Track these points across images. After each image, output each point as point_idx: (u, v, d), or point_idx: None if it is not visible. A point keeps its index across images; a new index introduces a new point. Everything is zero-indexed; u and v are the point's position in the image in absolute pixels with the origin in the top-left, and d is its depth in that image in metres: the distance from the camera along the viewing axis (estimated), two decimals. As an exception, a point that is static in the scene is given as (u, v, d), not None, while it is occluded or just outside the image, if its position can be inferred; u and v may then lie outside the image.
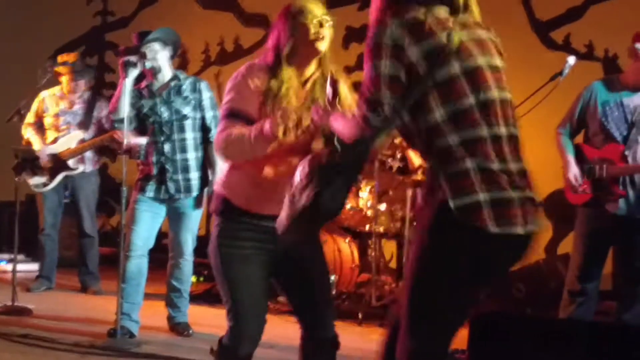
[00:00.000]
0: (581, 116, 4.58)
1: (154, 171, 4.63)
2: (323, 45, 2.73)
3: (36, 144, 6.00)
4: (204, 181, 4.73)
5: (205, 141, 4.73)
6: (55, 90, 6.18)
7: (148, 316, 4.84)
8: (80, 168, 6.10)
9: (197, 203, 4.74)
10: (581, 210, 4.63)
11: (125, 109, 4.41)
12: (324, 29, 2.72)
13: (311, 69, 2.77)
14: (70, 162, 6.03)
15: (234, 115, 2.66)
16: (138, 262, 4.61)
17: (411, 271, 2.33)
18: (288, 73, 2.69)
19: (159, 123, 4.63)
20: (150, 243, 4.70)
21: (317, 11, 2.73)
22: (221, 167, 2.84)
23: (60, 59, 6.05)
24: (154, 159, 4.63)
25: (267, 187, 2.67)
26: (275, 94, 2.65)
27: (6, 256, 7.43)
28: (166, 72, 4.69)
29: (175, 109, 4.63)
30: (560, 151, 4.62)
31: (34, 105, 6.14)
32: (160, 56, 4.64)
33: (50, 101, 6.12)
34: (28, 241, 6.67)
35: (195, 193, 4.68)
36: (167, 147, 4.62)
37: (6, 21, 9.42)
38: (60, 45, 9.21)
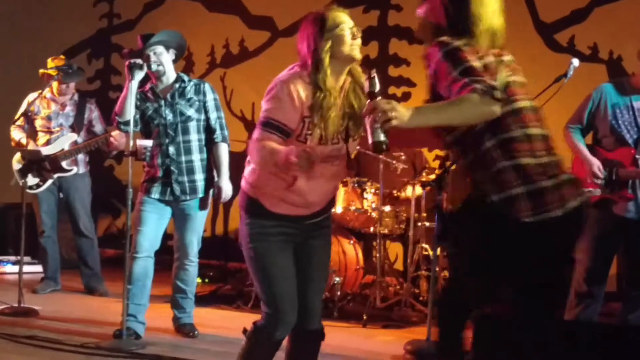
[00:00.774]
0: (590, 117, 4.57)
1: (160, 173, 4.65)
2: (359, 54, 2.83)
3: (30, 145, 5.98)
4: (209, 182, 4.74)
5: (210, 142, 4.74)
6: (44, 92, 6.15)
7: (154, 317, 4.85)
8: (74, 169, 6.12)
9: (203, 205, 4.75)
10: (589, 212, 4.63)
11: (131, 111, 4.43)
12: (358, 39, 2.83)
13: (344, 76, 2.86)
14: (64, 164, 6.06)
15: (270, 125, 2.71)
16: (144, 264, 4.63)
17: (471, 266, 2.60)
18: (330, 82, 2.76)
19: (163, 125, 4.65)
20: (156, 244, 4.72)
21: (349, 22, 2.84)
22: (251, 173, 2.90)
23: (49, 62, 6.08)
24: (159, 161, 4.65)
25: (297, 194, 2.82)
26: (321, 104, 2.72)
27: (12, 258, 7.45)
28: (170, 75, 4.71)
29: (179, 111, 4.65)
30: (574, 146, 4.58)
31: (22, 107, 6.12)
32: (164, 59, 4.66)
33: (41, 103, 6.12)
34: (34, 243, 6.70)
35: (200, 195, 4.70)
36: (171, 149, 4.64)
37: (13, 24, 9.46)
38: (66, 47, 9.24)
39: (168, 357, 4.18)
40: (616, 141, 4.47)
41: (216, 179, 4.76)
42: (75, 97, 6.23)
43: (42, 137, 6.09)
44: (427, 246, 6.00)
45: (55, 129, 6.07)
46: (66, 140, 6.05)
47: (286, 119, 2.71)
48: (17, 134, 6.08)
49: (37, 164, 5.94)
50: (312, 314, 2.96)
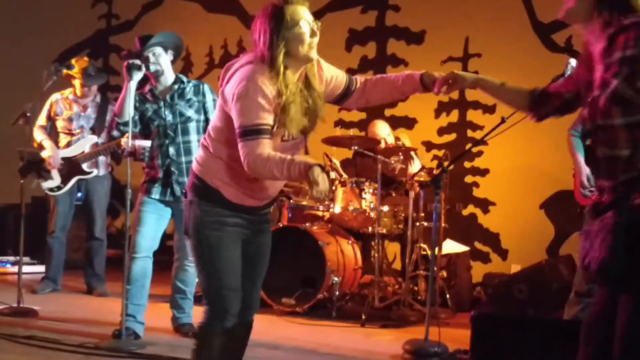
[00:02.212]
0: None
1: (160, 174, 4.66)
2: (315, 54, 2.73)
3: (49, 148, 6.04)
4: None
5: None
6: (67, 93, 6.24)
7: (153, 317, 4.86)
8: (94, 172, 6.16)
9: None
10: (589, 212, 4.65)
11: (130, 112, 4.45)
12: (317, 36, 2.71)
13: (299, 72, 2.76)
14: (84, 166, 6.10)
15: (261, 131, 2.59)
16: (143, 264, 4.64)
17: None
18: (289, 79, 2.67)
19: (163, 126, 4.66)
20: (155, 245, 4.73)
21: (308, 16, 2.71)
22: (210, 161, 2.81)
23: (73, 62, 6.10)
24: (159, 161, 4.66)
25: (261, 188, 2.80)
26: (285, 102, 2.64)
27: (12, 258, 7.45)
28: (169, 76, 4.72)
29: (179, 112, 4.66)
30: (572, 153, 4.65)
31: (46, 108, 6.19)
32: (162, 60, 4.67)
33: (63, 104, 6.18)
34: (33, 243, 6.70)
35: None
36: (172, 150, 4.64)
37: (11, 24, 9.46)
38: (65, 48, 9.27)
39: (167, 357, 4.18)
40: None
41: None
42: (97, 98, 6.26)
43: (63, 139, 6.14)
44: (425, 246, 6.01)
45: (76, 131, 6.13)
46: (87, 142, 6.10)
47: (267, 119, 2.60)
48: (39, 135, 6.11)
49: (37, 164, 5.95)
50: (253, 307, 2.96)
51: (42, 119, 6.15)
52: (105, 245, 6.43)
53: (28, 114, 5.48)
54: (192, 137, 4.67)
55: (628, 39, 2.28)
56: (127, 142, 4.69)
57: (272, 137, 2.64)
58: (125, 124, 4.49)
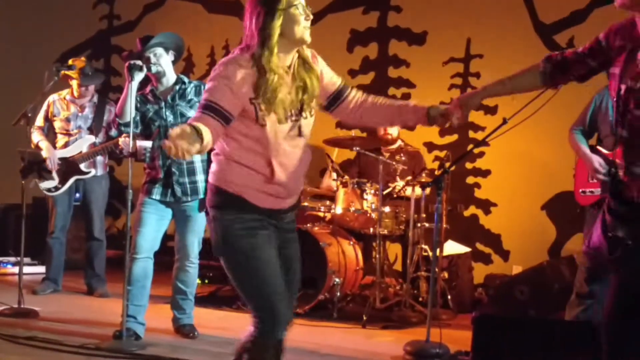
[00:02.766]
0: (592, 119, 4.63)
1: (161, 174, 4.65)
2: (309, 37, 2.70)
3: (45, 150, 6.04)
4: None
5: None
6: (64, 93, 6.26)
7: (153, 318, 4.85)
8: (92, 172, 6.16)
9: (203, 206, 4.75)
10: (589, 211, 4.65)
11: (131, 112, 4.44)
12: (309, 20, 2.69)
13: (292, 54, 2.73)
14: (82, 166, 6.11)
15: (209, 107, 2.59)
16: (143, 265, 4.63)
17: None
18: (275, 62, 2.63)
19: (164, 127, 4.65)
20: (156, 245, 4.72)
21: (303, 0, 2.69)
22: (223, 167, 2.73)
23: (70, 62, 6.09)
24: (160, 162, 4.66)
25: (279, 183, 2.70)
26: (266, 85, 2.61)
27: (13, 259, 7.45)
28: (170, 76, 4.72)
29: (180, 113, 4.66)
30: (576, 146, 4.62)
31: (43, 108, 6.21)
32: (163, 61, 4.67)
33: (60, 105, 6.20)
34: (34, 244, 6.69)
35: (201, 196, 4.70)
36: None
37: (12, 25, 9.47)
38: (66, 49, 9.27)
39: (168, 358, 4.17)
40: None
41: None
42: (95, 99, 6.27)
43: (60, 139, 6.15)
44: (426, 247, 6.00)
45: (74, 131, 6.14)
46: (84, 142, 6.11)
47: (225, 102, 2.57)
48: (36, 137, 6.11)
49: (38, 165, 5.95)
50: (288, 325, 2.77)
51: (39, 120, 6.17)
52: (104, 246, 6.42)
53: (29, 115, 5.48)
54: None
55: None
56: (124, 141, 4.70)
57: (230, 124, 2.62)
58: (127, 124, 4.49)
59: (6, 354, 4.16)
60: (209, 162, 4.71)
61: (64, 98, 6.22)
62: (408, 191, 5.94)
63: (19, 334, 4.56)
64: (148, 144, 4.63)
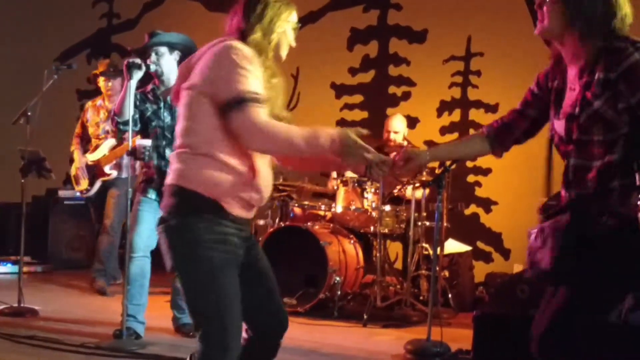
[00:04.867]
0: None
1: (156, 174, 4.65)
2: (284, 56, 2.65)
3: (76, 160, 6.49)
4: None
5: None
6: (98, 100, 6.56)
7: (154, 317, 4.85)
8: (114, 173, 6.37)
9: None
10: (539, 211, 4.63)
11: (130, 111, 4.43)
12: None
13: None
14: (106, 168, 6.36)
15: (255, 100, 2.35)
16: (140, 264, 4.62)
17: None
18: (273, 64, 2.56)
19: (161, 127, 4.64)
20: (152, 244, 4.70)
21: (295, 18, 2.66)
22: (196, 164, 2.43)
23: (98, 66, 6.50)
24: (155, 162, 4.64)
25: (256, 190, 2.47)
26: (272, 77, 2.52)
27: (12, 258, 7.45)
28: (172, 77, 4.67)
29: (177, 114, 4.62)
30: None
31: (81, 116, 6.62)
32: (165, 60, 4.64)
33: (92, 111, 6.52)
34: (34, 243, 6.69)
35: None
36: (168, 152, 4.62)
37: (12, 23, 9.46)
38: (66, 47, 9.26)
39: (168, 357, 4.17)
40: None
41: None
42: None
43: (93, 144, 6.49)
44: (427, 246, 6.00)
45: (102, 136, 6.44)
46: (106, 145, 6.39)
47: (261, 91, 2.40)
48: (73, 145, 6.55)
49: (36, 164, 5.94)
50: (284, 325, 2.63)
51: (77, 127, 6.59)
52: (116, 243, 6.49)
53: (29, 113, 5.48)
54: None
55: (612, 61, 2.32)
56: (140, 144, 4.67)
57: None
58: (125, 123, 4.48)
59: (6, 353, 4.16)
60: None
61: (96, 104, 6.53)
62: (408, 191, 5.93)
63: (19, 333, 4.55)
64: (147, 142, 4.62)
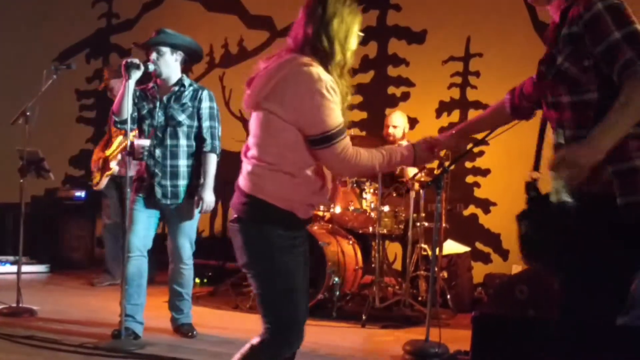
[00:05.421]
0: None
1: (146, 174, 4.65)
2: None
3: (94, 153, 6.74)
4: (192, 189, 4.69)
5: (198, 150, 4.70)
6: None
7: (152, 318, 4.85)
8: (116, 169, 6.49)
9: (188, 210, 4.69)
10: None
11: (128, 110, 4.42)
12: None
13: None
14: (111, 164, 6.48)
15: (342, 132, 2.50)
16: (137, 263, 4.61)
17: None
18: (349, 81, 2.64)
19: (153, 127, 4.64)
20: (148, 242, 4.69)
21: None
22: (273, 178, 2.54)
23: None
24: (147, 162, 4.64)
25: (324, 194, 2.65)
26: (345, 95, 2.59)
27: (11, 258, 7.45)
28: (172, 77, 4.67)
29: (170, 115, 4.62)
30: None
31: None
32: (164, 59, 4.62)
33: None
34: (33, 243, 6.69)
35: (179, 201, 4.64)
36: (158, 152, 4.61)
37: (11, 23, 9.46)
38: (65, 47, 9.26)
39: (166, 357, 4.17)
40: None
41: (200, 187, 4.70)
42: None
43: (113, 140, 6.61)
44: (426, 246, 6.00)
45: (115, 132, 6.48)
46: (117, 142, 6.50)
47: (342, 118, 2.53)
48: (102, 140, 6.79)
49: (35, 164, 5.95)
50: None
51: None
52: (113, 240, 6.55)
53: (28, 113, 5.47)
54: (181, 142, 4.63)
55: (574, 15, 2.26)
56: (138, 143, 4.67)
57: None
58: (123, 122, 4.47)
59: (5, 353, 4.15)
60: (193, 167, 4.67)
61: None
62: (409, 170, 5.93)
63: (18, 333, 4.55)
64: (146, 142, 4.61)
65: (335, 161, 2.53)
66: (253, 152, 2.58)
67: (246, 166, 2.60)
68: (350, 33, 2.58)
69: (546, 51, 2.39)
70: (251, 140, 2.60)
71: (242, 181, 2.60)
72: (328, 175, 2.65)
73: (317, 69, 2.48)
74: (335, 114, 2.48)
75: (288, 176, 2.53)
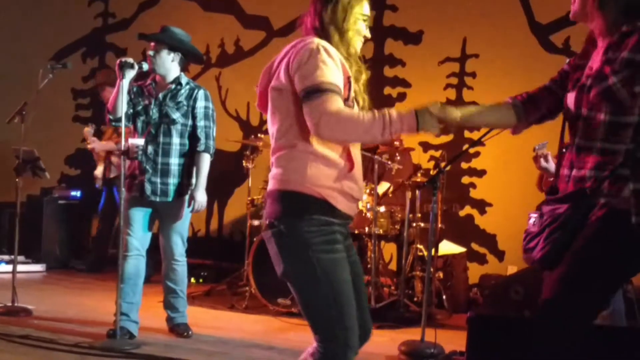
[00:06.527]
0: None
1: (137, 170, 4.65)
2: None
3: None
4: (183, 188, 4.70)
5: (191, 149, 4.70)
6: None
7: (148, 317, 4.84)
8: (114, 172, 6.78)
9: (178, 208, 4.69)
10: (546, 192, 4.65)
11: (122, 109, 4.42)
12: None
13: None
14: (97, 170, 6.86)
15: (327, 90, 2.31)
16: (135, 262, 4.61)
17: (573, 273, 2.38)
18: (359, 62, 2.59)
19: (147, 123, 4.64)
20: (146, 242, 4.69)
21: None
22: (296, 164, 2.39)
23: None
24: (139, 159, 4.64)
25: (355, 180, 2.46)
26: (356, 80, 2.53)
27: (6, 257, 7.44)
28: (169, 75, 4.67)
29: (164, 112, 4.62)
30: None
31: None
32: (160, 58, 4.63)
33: None
34: (28, 242, 6.68)
35: (169, 199, 4.64)
36: (150, 149, 4.61)
37: (7, 22, 9.44)
38: (61, 46, 9.25)
39: (162, 357, 4.16)
40: None
41: (192, 186, 4.69)
42: None
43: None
44: (421, 247, 6.00)
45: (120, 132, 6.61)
46: (109, 143, 6.77)
47: (338, 81, 2.36)
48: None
49: (31, 163, 5.95)
50: (367, 335, 2.57)
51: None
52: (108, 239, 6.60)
53: (24, 112, 5.47)
54: (173, 140, 4.63)
55: (638, 42, 2.32)
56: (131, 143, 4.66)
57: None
58: (118, 120, 4.47)
59: (0, 353, 4.15)
60: (184, 166, 4.67)
61: None
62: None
63: (13, 333, 4.54)
64: (140, 141, 4.61)
65: (317, 115, 2.29)
66: (274, 144, 2.47)
67: (272, 170, 2.48)
68: (349, 15, 2.56)
69: (595, 66, 2.43)
70: (270, 132, 2.51)
71: (269, 184, 2.47)
72: (357, 158, 2.49)
73: (317, 39, 2.45)
74: (329, 72, 2.34)
75: (311, 156, 2.37)
